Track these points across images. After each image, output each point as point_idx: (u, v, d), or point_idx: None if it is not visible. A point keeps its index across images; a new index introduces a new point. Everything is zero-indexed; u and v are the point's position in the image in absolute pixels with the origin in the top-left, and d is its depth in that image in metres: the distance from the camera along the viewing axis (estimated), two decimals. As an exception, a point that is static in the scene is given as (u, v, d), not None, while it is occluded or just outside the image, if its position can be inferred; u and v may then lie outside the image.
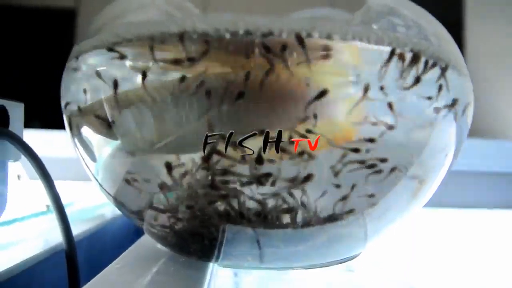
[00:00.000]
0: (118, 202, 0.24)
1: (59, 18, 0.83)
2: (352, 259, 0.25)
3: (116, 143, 0.21)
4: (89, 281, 0.20)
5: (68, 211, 0.39)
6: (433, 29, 0.23)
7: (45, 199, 0.26)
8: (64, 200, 0.39)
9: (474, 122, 0.25)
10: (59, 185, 0.40)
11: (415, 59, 0.20)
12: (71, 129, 0.23)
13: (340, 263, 0.24)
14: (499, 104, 0.89)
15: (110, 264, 0.23)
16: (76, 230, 0.33)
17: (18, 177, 0.35)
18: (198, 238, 0.22)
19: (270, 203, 0.20)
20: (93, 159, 0.23)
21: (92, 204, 0.42)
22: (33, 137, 0.60)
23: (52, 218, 0.26)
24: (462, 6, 0.98)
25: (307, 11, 0.21)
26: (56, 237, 0.28)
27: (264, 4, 0.22)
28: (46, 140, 0.57)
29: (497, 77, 0.92)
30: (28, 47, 0.80)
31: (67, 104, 0.22)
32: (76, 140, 0.23)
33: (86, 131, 0.22)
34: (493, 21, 0.96)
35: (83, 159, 0.24)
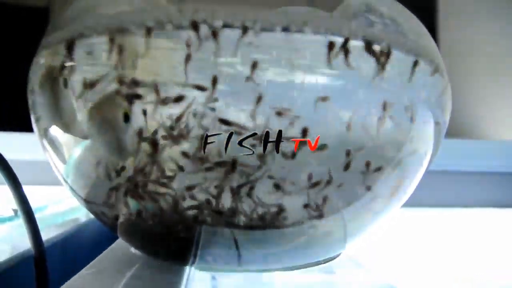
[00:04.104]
0: (90, 205, 0.23)
1: (32, 16, 0.81)
2: (332, 260, 0.24)
3: (85, 142, 0.20)
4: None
5: (41, 215, 0.38)
6: (410, 26, 0.23)
7: (13, 204, 0.25)
8: (37, 204, 0.38)
9: (451, 122, 0.25)
10: (32, 189, 0.38)
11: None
12: (39, 129, 0.22)
13: (320, 264, 0.24)
14: (474, 104, 0.91)
15: (82, 270, 0.22)
16: (49, 234, 0.32)
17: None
18: (172, 240, 0.21)
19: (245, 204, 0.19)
20: (63, 160, 0.22)
21: (67, 207, 0.41)
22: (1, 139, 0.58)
23: (21, 223, 0.25)
24: (435, 9, 1.00)
25: (286, 9, 0.21)
26: (25, 243, 0.27)
27: (242, 2, 0.22)
28: (20, 143, 0.55)
29: (473, 78, 0.94)
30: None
31: (34, 101, 0.21)
32: (44, 141, 0.22)
33: (54, 130, 0.21)
34: (466, 23, 0.98)
35: (52, 161, 0.22)
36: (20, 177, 0.25)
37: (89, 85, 0.19)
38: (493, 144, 0.71)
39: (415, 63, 0.21)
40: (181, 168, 0.19)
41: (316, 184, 0.20)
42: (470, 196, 0.65)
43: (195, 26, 0.17)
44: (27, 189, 0.26)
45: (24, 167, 0.39)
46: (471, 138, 0.83)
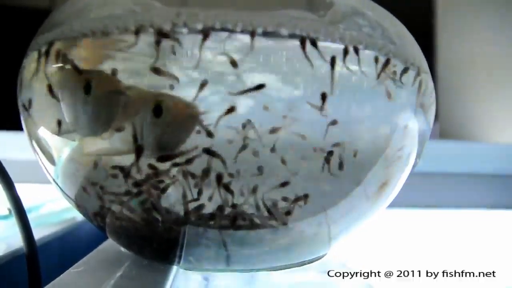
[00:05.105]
0: (79, 206, 0.23)
1: (34, 17, 0.81)
2: (318, 260, 0.25)
3: (74, 144, 0.20)
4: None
5: (37, 213, 0.38)
6: (396, 30, 0.23)
7: (7, 203, 0.25)
8: (34, 203, 0.38)
9: (446, 124, 0.25)
10: (30, 188, 0.39)
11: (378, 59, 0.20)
12: (28, 130, 0.22)
13: (305, 264, 0.24)
14: (472, 107, 0.90)
15: (70, 268, 0.22)
16: (45, 232, 0.33)
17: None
18: (158, 241, 0.21)
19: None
20: (52, 162, 0.22)
21: (63, 206, 0.41)
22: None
23: (15, 222, 0.25)
24: (433, 13, 0.99)
25: (281, 12, 0.21)
26: (20, 241, 0.27)
27: (240, 5, 0.22)
28: (19, 142, 0.56)
29: (470, 81, 0.93)
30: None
31: (23, 104, 0.22)
32: (34, 142, 0.22)
33: (43, 132, 0.21)
34: (464, 26, 0.98)
35: (42, 162, 0.23)
36: (18, 176, 0.26)
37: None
38: (490, 146, 0.71)
39: (405, 69, 0.21)
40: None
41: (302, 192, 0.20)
42: (467, 197, 0.65)
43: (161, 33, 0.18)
44: (24, 188, 0.27)
45: (21, 165, 0.39)
46: (468, 140, 0.83)
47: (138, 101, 0.19)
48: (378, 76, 0.20)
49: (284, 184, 0.20)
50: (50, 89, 0.20)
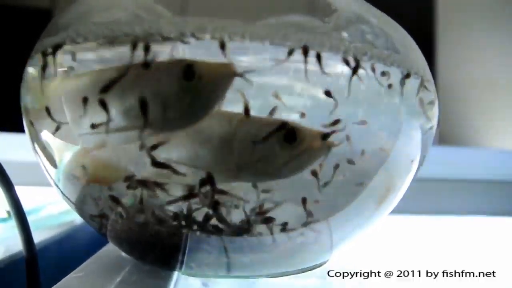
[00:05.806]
0: (80, 210, 0.23)
1: (34, 17, 0.81)
2: (319, 266, 0.24)
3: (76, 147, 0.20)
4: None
5: (37, 216, 0.38)
6: (399, 37, 0.23)
7: (6, 205, 0.25)
8: (35, 205, 0.38)
9: (445, 130, 0.25)
10: (31, 190, 0.38)
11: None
12: (30, 133, 0.22)
13: (307, 270, 0.24)
14: (470, 113, 0.91)
15: (70, 273, 0.22)
16: (44, 235, 0.32)
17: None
18: (159, 247, 0.21)
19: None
20: (54, 165, 0.22)
21: (63, 208, 0.41)
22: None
23: (14, 225, 0.25)
24: (434, 18, 1.00)
25: (284, 17, 0.21)
26: (19, 244, 0.27)
27: (242, 10, 0.22)
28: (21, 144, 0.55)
29: (469, 87, 0.94)
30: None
31: (26, 105, 0.22)
32: (36, 145, 0.22)
33: (45, 135, 0.21)
34: (464, 32, 0.98)
35: (43, 165, 0.23)
36: (19, 178, 0.26)
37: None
38: (489, 152, 0.71)
39: (406, 76, 0.21)
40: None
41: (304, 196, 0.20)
42: (466, 203, 0.65)
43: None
44: (25, 190, 0.27)
45: (21, 167, 0.39)
46: (468, 146, 0.83)
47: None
48: (401, 91, 0.20)
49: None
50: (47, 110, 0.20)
